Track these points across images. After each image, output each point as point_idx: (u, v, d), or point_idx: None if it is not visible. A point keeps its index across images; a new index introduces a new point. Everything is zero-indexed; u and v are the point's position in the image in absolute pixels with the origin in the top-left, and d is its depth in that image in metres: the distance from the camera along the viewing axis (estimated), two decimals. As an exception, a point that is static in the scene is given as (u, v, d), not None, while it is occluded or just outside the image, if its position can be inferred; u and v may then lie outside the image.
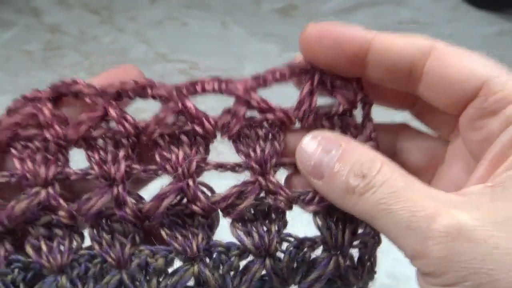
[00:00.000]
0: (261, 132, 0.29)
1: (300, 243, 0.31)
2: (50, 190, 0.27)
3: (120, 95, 0.30)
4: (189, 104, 0.29)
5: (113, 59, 0.65)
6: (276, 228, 0.30)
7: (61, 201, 0.27)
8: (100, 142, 0.29)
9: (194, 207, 0.28)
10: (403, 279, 0.44)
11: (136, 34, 0.68)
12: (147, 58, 0.66)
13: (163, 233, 0.29)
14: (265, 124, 0.30)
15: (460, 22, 0.70)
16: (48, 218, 0.28)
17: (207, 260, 0.29)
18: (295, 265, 0.30)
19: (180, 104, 0.29)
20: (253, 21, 0.71)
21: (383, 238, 0.47)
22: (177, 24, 0.70)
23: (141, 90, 0.30)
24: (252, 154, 0.29)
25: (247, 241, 0.29)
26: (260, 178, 0.28)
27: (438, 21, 0.71)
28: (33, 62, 0.65)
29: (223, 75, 0.64)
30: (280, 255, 0.31)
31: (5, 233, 0.28)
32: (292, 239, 0.31)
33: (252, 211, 0.30)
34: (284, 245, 0.31)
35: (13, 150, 0.28)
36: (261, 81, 0.32)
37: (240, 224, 0.29)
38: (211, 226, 0.30)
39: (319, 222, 0.31)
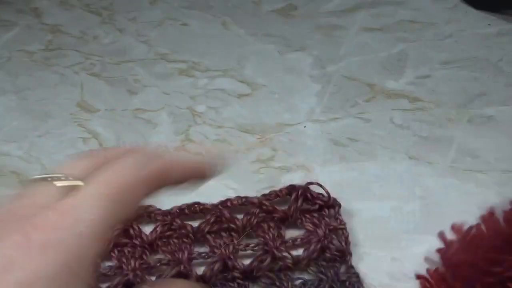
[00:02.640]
0: (272, 224, 0.47)
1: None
2: (137, 272, 0.44)
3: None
4: (225, 213, 0.46)
5: (113, 59, 0.65)
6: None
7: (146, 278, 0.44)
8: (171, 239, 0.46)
9: (233, 273, 0.44)
10: (403, 279, 0.44)
11: (137, 35, 0.69)
12: (147, 58, 0.66)
13: None
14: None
15: (459, 22, 0.70)
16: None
17: None
18: None
19: (219, 213, 0.46)
20: (253, 21, 0.71)
21: (385, 238, 0.47)
22: (177, 24, 0.71)
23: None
24: (267, 237, 0.46)
25: None
26: (274, 250, 0.44)
27: (438, 21, 0.71)
28: (33, 62, 0.65)
29: (223, 75, 0.64)
30: None
31: None
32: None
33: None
34: None
35: (112, 254, 0.45)
36: None
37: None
38: (247, 286, 0.45)
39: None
